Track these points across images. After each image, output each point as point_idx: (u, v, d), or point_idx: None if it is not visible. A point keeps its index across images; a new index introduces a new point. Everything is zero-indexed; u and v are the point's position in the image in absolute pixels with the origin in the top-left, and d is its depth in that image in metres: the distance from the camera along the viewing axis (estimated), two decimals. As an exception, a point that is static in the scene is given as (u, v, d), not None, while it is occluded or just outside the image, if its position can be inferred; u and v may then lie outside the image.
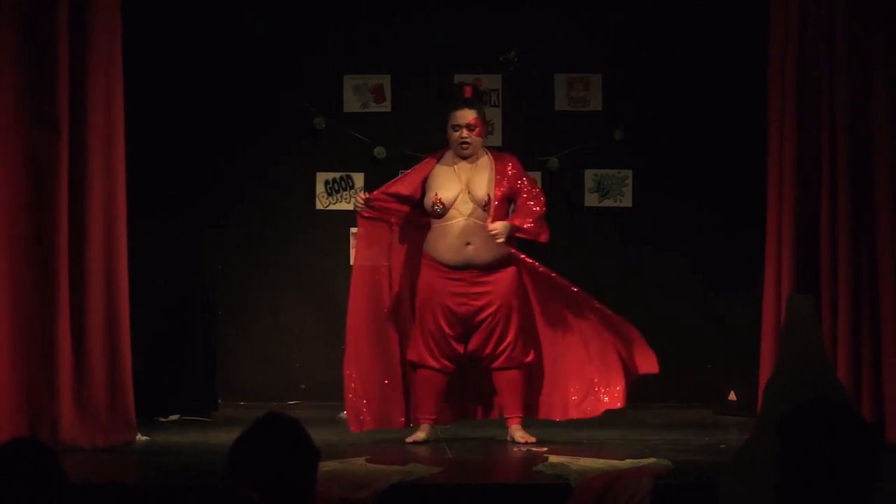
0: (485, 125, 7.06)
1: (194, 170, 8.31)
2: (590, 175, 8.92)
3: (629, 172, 8.91)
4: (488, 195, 6.84)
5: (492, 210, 6.83)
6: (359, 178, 8.88)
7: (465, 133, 6.90)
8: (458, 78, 8.86)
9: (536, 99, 8.92)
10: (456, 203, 6.86)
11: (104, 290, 6.77)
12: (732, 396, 8.40)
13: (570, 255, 8.87)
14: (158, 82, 8.05)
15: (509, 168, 6.96)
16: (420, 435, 6.92)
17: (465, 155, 6.94)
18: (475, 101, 7.02)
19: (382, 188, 7.06)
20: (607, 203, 8.92)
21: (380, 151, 8.83)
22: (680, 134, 8.79)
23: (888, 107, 6.89)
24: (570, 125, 8.90)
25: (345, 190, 8.88)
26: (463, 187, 6.89)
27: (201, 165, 8.37)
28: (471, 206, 6.86)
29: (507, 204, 6.95)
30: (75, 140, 6.68)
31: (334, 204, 8.88)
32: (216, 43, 8.48)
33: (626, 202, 8.91)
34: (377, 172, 8.85)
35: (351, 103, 8.92)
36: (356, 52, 8.88)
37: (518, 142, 8.85)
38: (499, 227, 6.77)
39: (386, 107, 8.93)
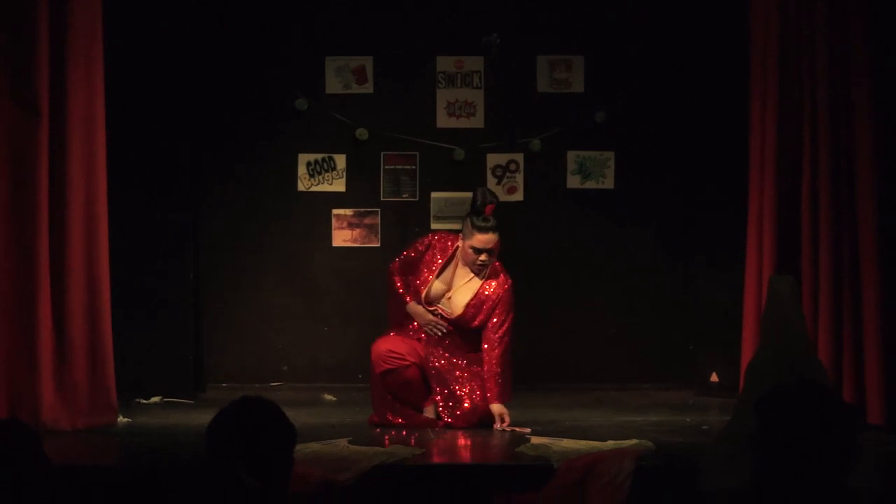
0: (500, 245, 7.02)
1: (176, 150, 8.28)
2: (572, 157, 8.92)
3: (611, 154, 8.91)
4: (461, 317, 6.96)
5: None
6: (340, 160, 8.86)
7: (484, 257, 6.91)
8: (440, 62, 8.87)
9: (518, 81, 8.90)
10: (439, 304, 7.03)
11: (85, 271, 6.75)
12: (714, 378, 8.42)
13: (552, 238, 8.89)
14: (140, 64, 8.02)
15: (493, 294, 6.98)
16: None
17: (478, 273, 6.98)
18: (495, 221, 6.93)
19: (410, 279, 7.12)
20: (589, 185, 8.92)
21: (362, 133, 8.81)
22: (662, 116, 8.79)
23: (869, 86, 6.89)
24: (553, 107, 8.88)
25: (327, 171, 8.87)
26: (447, 292, 7.02)
27: (183, 146, 8.34)
28: (449, 310, 6.99)
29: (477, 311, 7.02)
30: (55, 120, 6.64)
31: (316, 185, 8.87)
32: (198, 24, 8.43)
33: (609, 184, 8.91)
34: (359, 154, 8.85)
35: (333, 84, 8.89)
36: (338, 33, 8.85)
37: (500, 124, 8.85)
38: (506, 417, 6.83)
39: (368, 88, 8.91)
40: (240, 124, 8.77)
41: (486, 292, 6.97)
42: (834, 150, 7.00)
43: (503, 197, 8.67)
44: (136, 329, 7.90)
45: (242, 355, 8.80)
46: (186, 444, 6.12)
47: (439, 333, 6.95)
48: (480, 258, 6.91)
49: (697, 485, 4.98)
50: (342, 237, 8.90)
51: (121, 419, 6.96)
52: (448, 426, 6.83)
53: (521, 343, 8.27)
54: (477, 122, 8.82)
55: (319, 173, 8.88)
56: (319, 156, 8.89)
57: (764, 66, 7.30)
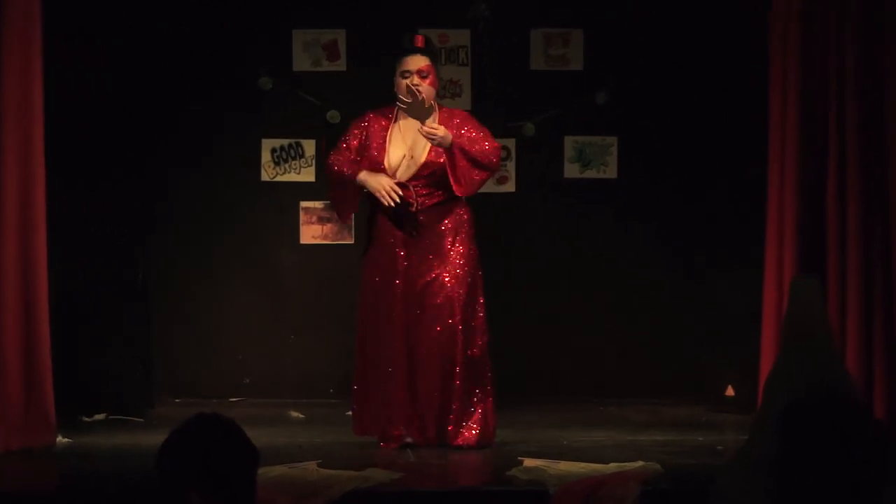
0: (438, 77, 6.99)
1: (123, 137, 8.26)
2: (570, 143, 8.93)
3: (614, 140, 8.91)
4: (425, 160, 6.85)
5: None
6: (309, 146, 8.86)
7: (415, 80, 6.87)
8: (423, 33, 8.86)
9: (510, 57, 8.91)
10: (399, 170, 6.86)
11: (19, 272, 6.73)
12: (730, 391, 8.44)
13: (548, 234, 8.89)
14: (87, 41, 8.01)
15: (456, 121, 6.93)
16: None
17: (413, 102, 6.88)
18: (427, 51, 6.98)
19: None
20: (589, 174, 8.92)
21: (333, 115, 8.80)
22: (670, 96, 8.79)
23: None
24: (548, 87, 8.89)
25: (294, 159, 8.86)
26: (406, 151, 6.90)
27: (131, 132, 8.32)
28: (413, 171, 6.86)
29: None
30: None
31: (282, 175, 8.86)
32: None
33: (611, 173, 8.92)
34: (330, 139, 8.82)
35: (301, 61, 8.89)
36: (307, 3, 8.86)
37: (489, 105, 8.84)
38: (438, 132, 6.74)
39: (340, 65, 8.91)
40: (196, 106, 8.75)
41: (446, 121, 6.89)
42: (863, 129, 6.99)
43: (492, 188, 8.66)
44: (78, 338, 7.88)
45: (197, 367, 8.79)
46: (134, 468, 6.11)
47: (397, 200, 6.72)
48: (413, 82, 6.85)
49: (710, 511, 4.99)
50: (311, 233, 8.90)
51: (60, 439, 6.95)
52: (432, 445, 6.81)
53: (512, 351, 8.27)
54: (463, 102, 8.82)
55: (286, 161, 8.88)
56: (286, 141, 8.89)
57: (784, 36, 7.29)
